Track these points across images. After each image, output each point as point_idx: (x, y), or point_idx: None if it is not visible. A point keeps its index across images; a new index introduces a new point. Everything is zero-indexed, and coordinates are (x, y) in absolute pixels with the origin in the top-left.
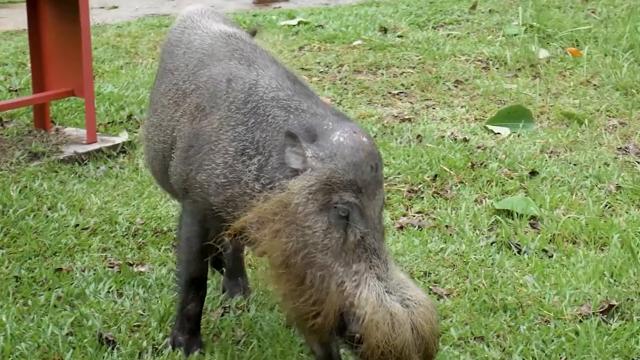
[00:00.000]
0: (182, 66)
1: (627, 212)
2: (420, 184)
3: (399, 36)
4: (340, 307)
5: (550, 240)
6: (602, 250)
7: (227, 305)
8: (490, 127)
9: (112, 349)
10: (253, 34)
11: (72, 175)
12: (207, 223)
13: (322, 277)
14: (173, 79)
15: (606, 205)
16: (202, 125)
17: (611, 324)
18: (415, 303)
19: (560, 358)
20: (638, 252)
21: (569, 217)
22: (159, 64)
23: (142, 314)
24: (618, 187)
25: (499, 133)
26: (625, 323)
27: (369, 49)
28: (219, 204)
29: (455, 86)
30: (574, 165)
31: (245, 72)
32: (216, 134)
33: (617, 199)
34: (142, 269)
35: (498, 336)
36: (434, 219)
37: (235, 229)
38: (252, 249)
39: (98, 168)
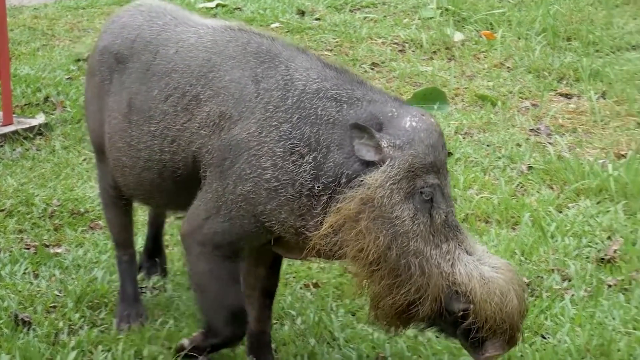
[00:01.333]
0: (182, 68)
1: (538, 192)
2: None
3: (316, 19)
4: (444, 288)
5: (464, 220)
6: (514, 229)
7: (145, 286)
8: None
9: (28, 329)
10: None
11: None
12: (239, 245)
13: (420, 263)
14: (172, 83)
15: (518, 185)
16: (234, 134)
17: None
18: (503, 269)
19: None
20: (548, 231)
21: (481, 197)
22: (131, 64)
23: (58, 295)
24: (530, 167)
25: None
26: (535, 300)
27: (287, 32)
28: (271, 211)
29: (372, 69)
30: (487, 146)
31: (272, 68)
32: (256, 138)
33: (528, 179)
34: (59, 250)
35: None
36: None
37: (320, 237)
38: (335, 256)
39: (14, 150)
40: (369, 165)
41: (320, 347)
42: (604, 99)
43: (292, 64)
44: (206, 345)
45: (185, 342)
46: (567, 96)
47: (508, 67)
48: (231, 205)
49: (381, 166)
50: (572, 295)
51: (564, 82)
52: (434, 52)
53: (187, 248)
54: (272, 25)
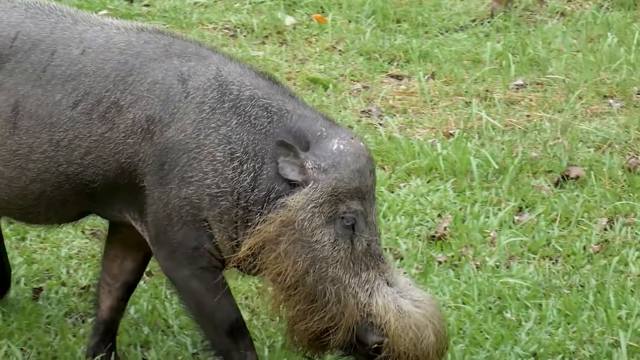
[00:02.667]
0: (94, 71)
1: None
2: None
3: (145, 5)
4: (358, 318)
5: None
6: None
7: None
8: None
9: None
10: None
11: None
12: (205, 249)
13: (337, 291)
14: (82, 87)
15: None
16: (169, 137)
17: None
18: (425, 303)
19: None
20: (380, 211)
21: None
22: (12, 64)
23: None
24: None
25: None
26: None
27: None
28: (213, 218)
29: None
30: None
31: (201, 67)
32: (194, 140)
33: None
34: None
35: (246, 298)
36: None
37: (239, 258)
38: (258, 276)
39: None
40: (294, 185)
41: (155, 335)
42: (434, 79)
43: (224, 67)
44: None
45: None
46: (398, 77)
47: (340, 50)
48: (180, 211)
49: (304, 188)
50: (404, 273)
51: (395, 63)
52: (266, 36)
53: (172, 277)
54: (101, 13)
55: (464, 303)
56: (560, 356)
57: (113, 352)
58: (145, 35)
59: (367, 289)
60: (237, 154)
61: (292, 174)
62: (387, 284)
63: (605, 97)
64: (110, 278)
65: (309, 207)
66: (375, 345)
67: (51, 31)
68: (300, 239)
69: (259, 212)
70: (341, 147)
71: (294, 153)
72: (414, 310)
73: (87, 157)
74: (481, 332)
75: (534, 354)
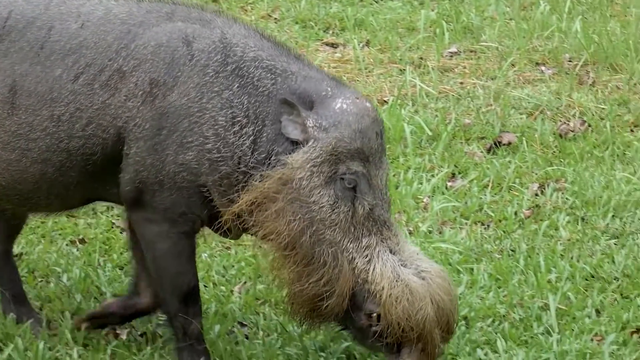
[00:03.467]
0: (95, 42)
1: None
2: None
3: None
4: (354, 284)
5: None
6: None
7: None
8: None
9: None
10: None
11: None
12: (194, 215)
13: (334, 255)
14: (83, 60)
15: None
16: (171, 101)
17: None
18: (432, 274)
19: (240, 282)
20: None
21: None
22: (7, 44)
23: None
24: None
25: None
26: None
27: None
28: (213, 183)
29: None
30: None
31: (206, 30)
32: (197, 104)
33: None
34: None
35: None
36: None
37: (233, 213)
38: (253, 234)
39: None
40: (295, 145)
41: (87, 303)
42: (368, 47)
43: (229, 29)
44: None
45: None
46: (333, 45)
47: (275, 19)
48: (174, 177)
49: (304, 146)
50: None
51: (330, 31)
52: (202, 4)
53: (142, 232)
54: None
55: None
56: (491, 319)
57: None
58: (146, 5)
59: (366, 255)
60: (238, 118)
61: (294, 133)
62: (390, 251)
63: (537, 64)
64: (143, 264)
65: (308, 165)
66: (370, 314)
67: (46, 8)
68: (298, 199)
69: (259, 173)
70: (344, 106)
71: (297, 112)
72: (414, 279)
73: (88, 127)
74: None
75: (465, 318)
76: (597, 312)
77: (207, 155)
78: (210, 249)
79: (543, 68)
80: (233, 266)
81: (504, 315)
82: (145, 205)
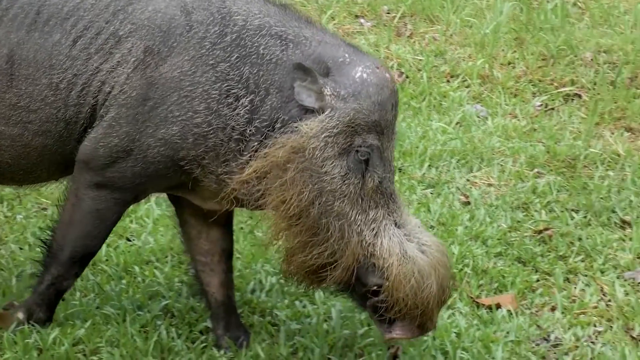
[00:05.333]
0: (92, 4)
1: None
2: None
3: None
4: (360, 257)
5: None
6: None
7: None
8: None
9: None
10: None
11: None
12: (147, 187)
13: (341, 226)
14: (81, 22)
15: None
16: (162, 72)
17: None
18: (432, 249)
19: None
20: None
21: None
22: (5, 13)
23: None
24: None
25: None
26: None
27: None
28: (195, 156)
29: None
30: None
31: (205, 1)
32: (189, 78)
33: None
34: None
35: None
36: None
37: (240, 182)
38: (256, 203)
39: None
40: (307, 112)
41: None
42: None
43: None
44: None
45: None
46: None
47: None
48: (147, 150)
49: (320, 115)
50: (156, 197)
51: None
52: None
53: (79, 180)
54: None
55: None
56: None
57: (243, 329)
58: None
59: (373, 228)
60: (234, 90)
61: (308, 100)
62: (395, 224)
63: (356, 16)
64: (204, 256)
65: (323, 135)
66: (374, 288)
67: None
68: (310, 168)
69: (258, 140)
70: (364, 75)
71: (312, 78)
72: (419, 256)
73: (81, 94)
74: (237, 252)
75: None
76: None
77: (193, 130)
78: (25, 210)
79: (362, 20)
80: (50, 227)
81: None
82: (94, 170)
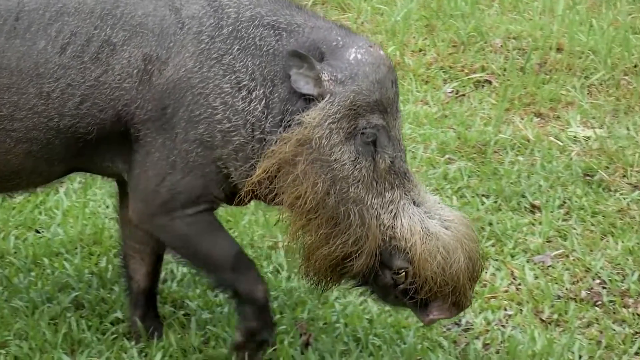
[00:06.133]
0: (75, 7)
1: None
2: None
3: None
4: (381, 241)
5: None
6: None
7: None
8: None
9: None
10: None
11: None
12: (213, 191)
13: (359, 212)
14: (67, 28)
15: None
16: (169, 76)
17: None
18: (456, 223)
19: None
20: None
21: None
22: None
23: None
24: None
25: None
26: (30, 196)
27: None
28: (227, 156)
29: None
30: None
31: None
32: (197, 74)
33: None
34: None
35: None
36: None
37: (253, 183)
38: (274, 202)
39: None
40: (311, 100)
41: None
42: None
43: None
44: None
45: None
46: None
47: None
48: (187, 156)
49: (320, 102)
50: (65, 188)
51: None
52: None
53: (154, 227)
54: None
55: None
56: None
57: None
58: None
59: (392, 210)
60: (245, 82)
61: (307, 87)
62: (414, 203)
63: None
64: (138, 244)
65: (326, 123)
66: (400, 272)
67: None
68: (319, 158)
69: (275, 139)
70: (359, 56)
71: (309, 64)
72: (443, 231)
73: (82, 105)
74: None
75: None
76: None
77: (217, 127)
78: None
79: None
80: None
81: None
82: (155, 192)
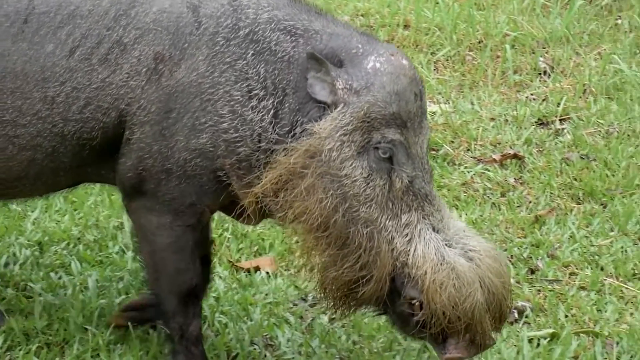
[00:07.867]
0: (89, 10)
1: None
2: None
3: None
4: (393, 267)
5: None
6: None
7: None
8: None
9: None
10: None
11: None
12: (202, 205)
13: (370, 234)
14: (78, 31)
15: None
16: (179, 78)
17: None
18: (481, 254)
19: None
20: None
21: None
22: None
23: None
24: None
25: None
26: None
27: None
28: (231, 166)
29: None
30: None
31: None
32: (208, 79)
33: None
34: None
35: None
36: None
37: (256, 195)
38: (279, 217)
39: None
40: (324, 109)
41: None
42: None
43: None
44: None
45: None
46: None
47: None
48: (185, 165)
49: (332, 112)
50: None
51: None
52: None
53: (141, 223)
54: None
55: None
56: (66, 242)
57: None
58: None
59: (407, 234)
60: (255, 91)
61: (322, 94)
62: (433, 229)
63: None
64: None
65: (338, 134)
66: (413, 302)
67: None
68: (328, 172)
69: (282, 149)
70: (377, 65)
71: (326, 69)
72: (461, 261)
73: (86, 109)
74: None
75: (39, 243)
76: None
77: (222, 136)
78: None
79: None
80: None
81: (78, 238)
82: (147, 194)
